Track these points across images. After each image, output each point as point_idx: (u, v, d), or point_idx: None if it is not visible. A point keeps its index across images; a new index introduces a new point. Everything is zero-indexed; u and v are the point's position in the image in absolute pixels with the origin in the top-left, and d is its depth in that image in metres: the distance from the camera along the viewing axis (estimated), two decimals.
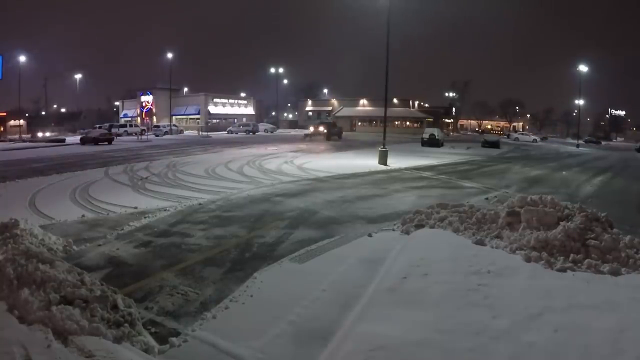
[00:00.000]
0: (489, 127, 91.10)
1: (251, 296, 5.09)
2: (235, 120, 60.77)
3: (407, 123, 61.86)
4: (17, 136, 43.20)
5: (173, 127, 50.64)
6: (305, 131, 42.43)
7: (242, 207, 9.95)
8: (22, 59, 45.82)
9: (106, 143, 32.60)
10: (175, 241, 7.25)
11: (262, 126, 55.44)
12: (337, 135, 39.34)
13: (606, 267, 5.50)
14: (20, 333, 3.76)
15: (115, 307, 4.26)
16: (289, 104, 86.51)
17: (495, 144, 37.47)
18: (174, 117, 58.45)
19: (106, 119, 67.65)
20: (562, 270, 5.54)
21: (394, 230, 7.91)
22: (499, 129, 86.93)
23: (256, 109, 69.86)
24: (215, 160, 19.53)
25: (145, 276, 5.69)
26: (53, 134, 47.15)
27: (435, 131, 35.84)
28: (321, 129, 39.11)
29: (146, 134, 43.44)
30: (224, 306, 4.82)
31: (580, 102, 59.28)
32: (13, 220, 6.67)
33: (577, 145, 49.80)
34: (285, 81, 76.70)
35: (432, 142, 33.54)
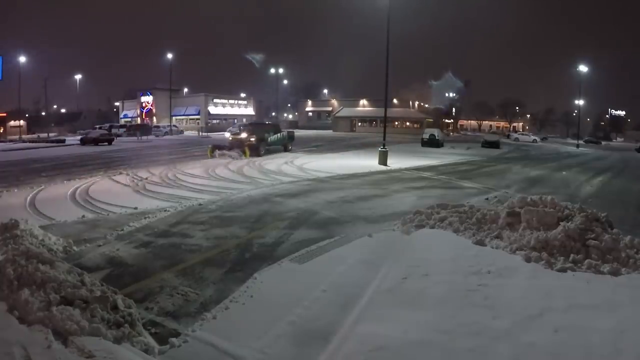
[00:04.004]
0: (490, 126, 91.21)
1: (251, 297, 5.08)
2: (235, 120, 60.78)
3: (407, 123, 61.87)
4: (17, 137, 43.23)
5: (173, 128, 50.67)
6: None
7: (242, 207, 9.95)
8: (22, 59, 45.89)
9: (106, 144, 32.65)
10: (176, 242, 7.25)
11: None
12: (282, 144, 25.19)
13: (606, 267, 5.49)
14: (21, 333, 3.76)
15: (115, 307, 4.26)
16: (289, 105, 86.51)
17: (495, 144, 37.52)
18: (174, 118, 58.49)
19: (106, 120, 67.71)
20: (562, 270, 5.54)
21: (394, 230, 7.90)
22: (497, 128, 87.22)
23: (256, 109, 69.89)
24: (215, 161, 19.56)
25: (146, 277, 5.69)
26: (53, 134, 47.18)
27: (435, 131, 35.87)
28: (243, 135, 23.31)
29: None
30: (224, 307, 4.82)
31: (580, 102, 59.25)
32: (13, 221, 6.68)
33: (577, 146, 49.81)
34: (285, 81, 76.75)
35: (432, 143, 33.57)
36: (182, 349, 3.99)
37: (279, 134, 25.20)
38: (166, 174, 15.29)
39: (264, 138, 23.06)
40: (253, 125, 27.69)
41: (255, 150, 21.52)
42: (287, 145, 25.70)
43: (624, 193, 14.72)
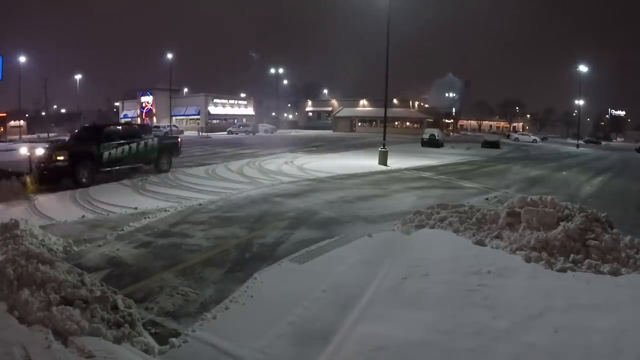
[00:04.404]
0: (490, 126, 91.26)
1: (251, 297, 5.08)
2: (235, 120, 60.83)
3: (407, 123, 61.89)
4: (17, 137, 43.25)
5: (173, 128, 50.66)
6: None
7: (242, 207, 9.95)
8: (22, 59, 45.97)
9: None
10: (176, 242, 7.25)
11: (262, 127, 55.49)
12: (146, 160, 15.06)
13: (606, 267, 5.49)
14: (21, 333, 3.76)
15: (115, 307, 4.25)
16: (289, 105, 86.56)
17: (495, 144, 37.55)
18: (174, 118, 58.51)
19: (106, 120, 67.68)
20: (562, 270, 5.53)
21: (394, 230, 7.90)
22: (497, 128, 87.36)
23: (256, 109, 69.94)
24: (213, 160, 19.57)
25: (146, 277, 5.69)
26: (53, 134, 47.20)
27: (435, 131, 35.91)
28: (39, 152, 12.82)
29: None
30: (224, 307, 4.81)
31: (580, 102, 59.34)
32: (13, 221, 6.68)
33: (577, 146, 49.85)
34: (285, 81, 76.86)
35: (432, 143, 33.61)
36: (182, 349, 3.99)
37: (134, 145, 14.31)
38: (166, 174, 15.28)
39: (90, 153, 12.86)
40: (80, 132, 15.64)
41: (70, 177, 12.18)
42: (159, 161, 15.29)
43: (624, 193, 14.72)
